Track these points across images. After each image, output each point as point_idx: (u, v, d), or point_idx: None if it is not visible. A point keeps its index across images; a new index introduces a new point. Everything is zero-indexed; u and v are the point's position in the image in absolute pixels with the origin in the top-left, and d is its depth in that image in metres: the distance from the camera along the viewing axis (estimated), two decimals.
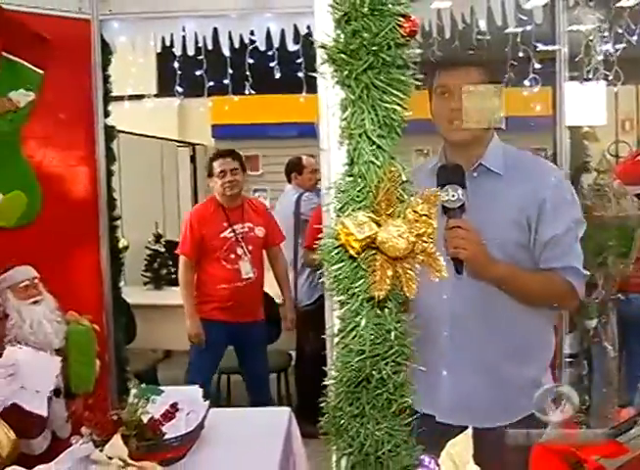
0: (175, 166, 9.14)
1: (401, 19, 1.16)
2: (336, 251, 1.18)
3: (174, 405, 2.58)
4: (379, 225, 1.15)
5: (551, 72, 3.40)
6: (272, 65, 4.20)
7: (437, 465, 1.22)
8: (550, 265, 2.38)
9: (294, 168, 5.99)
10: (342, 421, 1.23)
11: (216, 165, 4.89)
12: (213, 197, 5.02)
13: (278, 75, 4.22)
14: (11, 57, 3.66)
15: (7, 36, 3.61)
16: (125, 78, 4.79)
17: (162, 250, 6.87)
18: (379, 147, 1.18)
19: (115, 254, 4.23)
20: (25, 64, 3.70)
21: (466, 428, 1.58)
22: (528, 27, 3.51)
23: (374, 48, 1.15)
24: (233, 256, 4.89)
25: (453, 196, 2.27)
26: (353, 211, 1.16)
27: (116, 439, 2.38)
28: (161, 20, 4.02)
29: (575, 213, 2.45)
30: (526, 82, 3.82)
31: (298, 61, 4.17)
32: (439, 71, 2.47)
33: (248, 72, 4.31)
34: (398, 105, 1.18)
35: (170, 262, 6.77)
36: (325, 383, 1.33)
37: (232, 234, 4.90)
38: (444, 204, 2.27)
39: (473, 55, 2.63)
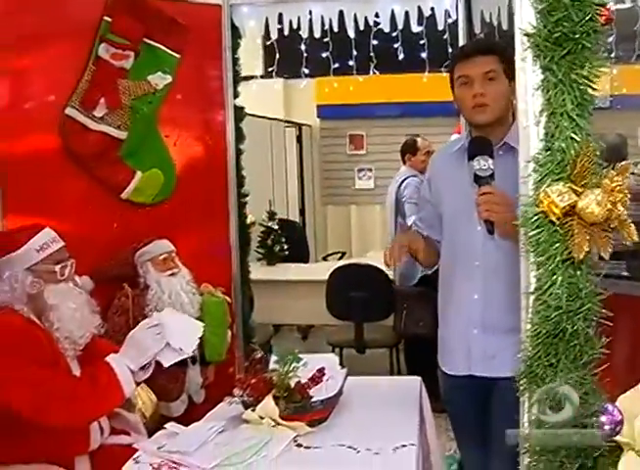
0: (283, 146, 9.27)
1: (600, 8, 1.27)
2: (536, 217, 1.31)
3: (321, 370, 2.69)
4: (577, 195, 1.27)
5: None
6: (396, 46, 4.30)
7: (621, 414, 1.33)
8: None
9: (408, 150, 6.05)
10: (538, 370, 1.36)
11: None
12: None
13: (401, 56, 4.32)
14: (150, 42, 3.84)
15: (147, 23, 3.80)
16: (248, 60, 4.92)
17: (276, 227, 7.03)
18: (577, 124, 1.29)
19: (243, 229, 4.38)
20: (163, 48, 3.88)
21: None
22: None
23: (575, 36, 1.27)
24: None
25: (484, 165, 2.50)
26: (552, 182, 1.29)
27: (268, 400, 2.53)
28: (289, 4, 4.16)
29: None
30: None
31: (422, 42, 4.25)
32: (456, 63, 2.69)
33: (372, 53, 4.42)
34: (589, 86, 1.29)
35: (283, 240, 6.97)
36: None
37: None
38: (476, 172, 2.51)
39: (485, 44, 2.80)
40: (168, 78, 3.90)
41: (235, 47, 4.24)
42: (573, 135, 1.28)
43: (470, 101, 2.64)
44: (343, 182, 9.53)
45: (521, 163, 1.42)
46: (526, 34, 1.32)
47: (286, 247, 7.01)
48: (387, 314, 5.66)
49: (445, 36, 4.10)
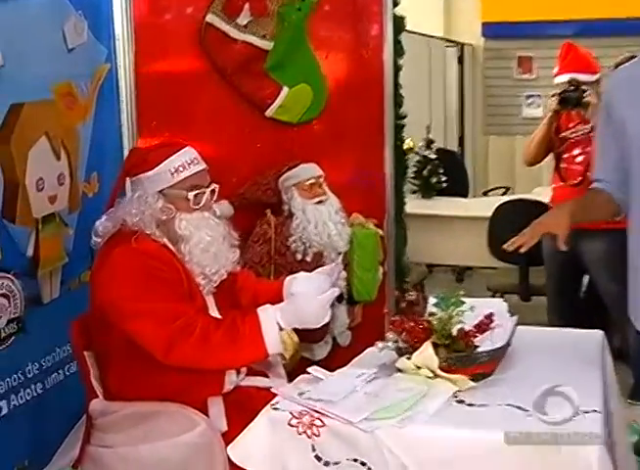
0: (442, 67, 9.07)
1: None
2: None
3: (489, 316, 2.44)
4: None
5: None
6: None
7: None
8: None
9: None
10: None
11: None
12: None
13: None
14: None
15: None
16: None
17: (433, 156, 6.78)
18: None
19: (400, 155, 4.18)
20: None
21: None
22: None
23: None
24: None
25: None
26: None
27: (427, 348, 2.33)
28: None
29: None
30: None
31: None
32: None
33: None
34: None
35: (441, 171, 6.73)
36: None
37: None
38: None
39: None
40: None
41: None
42: None
43: None
44: (509, 109, 9.20)
45: None
46: None
47: (444, 179, 6.77)
48: None
49: None
